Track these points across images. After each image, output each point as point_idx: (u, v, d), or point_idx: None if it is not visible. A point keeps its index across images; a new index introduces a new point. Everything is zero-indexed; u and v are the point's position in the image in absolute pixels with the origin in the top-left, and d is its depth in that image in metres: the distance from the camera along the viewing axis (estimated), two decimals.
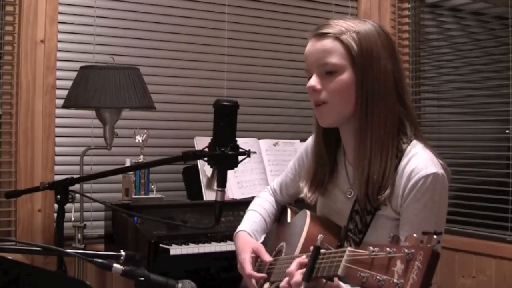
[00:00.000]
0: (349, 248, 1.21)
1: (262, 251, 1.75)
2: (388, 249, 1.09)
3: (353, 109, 1.56)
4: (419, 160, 1.51)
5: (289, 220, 1.86)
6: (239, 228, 1.88)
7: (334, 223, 1.67)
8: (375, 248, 1.12)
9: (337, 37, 1.54)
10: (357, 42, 1.53)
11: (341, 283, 1.40)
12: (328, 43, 1.55)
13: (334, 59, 1.54)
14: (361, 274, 1.13)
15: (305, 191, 1.72)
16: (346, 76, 1.54)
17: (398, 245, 1.09)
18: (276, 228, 1.94)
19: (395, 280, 1.05)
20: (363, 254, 1.15)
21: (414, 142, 1.55)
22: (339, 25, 1.56)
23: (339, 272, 1.20)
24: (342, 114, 1.59)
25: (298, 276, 1.38)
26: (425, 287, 1.03)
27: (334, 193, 1.68)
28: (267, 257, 1.73)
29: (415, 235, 1.08)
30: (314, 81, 1.57)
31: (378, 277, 1.08)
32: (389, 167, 1.51)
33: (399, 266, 1.06)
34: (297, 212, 1.81)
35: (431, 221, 1.48)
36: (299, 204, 1.93)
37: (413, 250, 1.05)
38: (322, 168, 1.69)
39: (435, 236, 1.05)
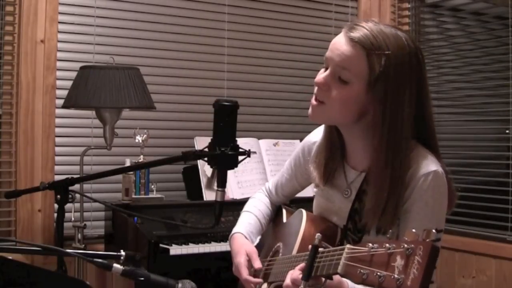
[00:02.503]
0: (348, 246, 1.20)
1: (254, 256, 1.75)
2: (387, 245, 1.09)
3: (349, 120, 1.54)
4: (419, 159, 1.51)
5: (284, 220, 1.86)
6: (234, 230, 1.88)
7: (330, 222, 1.67)
8: (374, 245, 1.12)
9: (367, 52, 1.47)
10: (382, 66, 1.46)
11: (343, 279, 1.40)
12: (354, 53, 1.48)
13: (353, 71, 1.49)
14: (361, 271, 1.12)
15: (317, 181, 1.70)
16: (355, 90, 1.49)
17: (397, 240, 1.09)
18: (272, 228, 1.94)
19: (395, 276, 1.05)
20: (363, 251, 1.14)
21: (413, 142, 1.55)
22: (375, 37, 1.48)
23: (339, 270, 1.19)
24: (335, 121, 1.58)
25: (297, 274, 1.38)
26: (426, 281, 1.02)
27: (331, 193, 1.67)
28: (257, 264, 1.73)
29: (413, 230, 1.08)
30: (324, 78, 1.53)
31: (378, 273, 1.08)
32: (404, 185, 1.50)
33: (399, 261, 1.05)
34: (292, 212, 1.80)
35: (432, 218, 1.48)
36: (295, 205, 1.93)
37: (412, 245, 1.04)
38: (332, 156, 1.67)
39: (434, 231, 1.04)
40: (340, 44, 1.52)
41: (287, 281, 1.42)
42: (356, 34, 1.49)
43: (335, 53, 1.52)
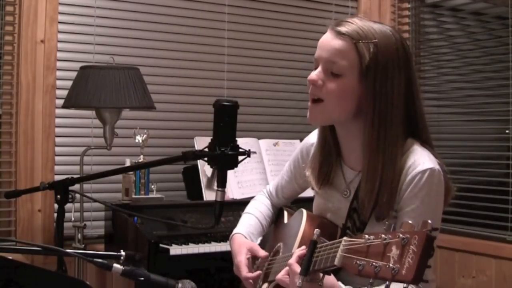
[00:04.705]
0: (344, 238, 1.22)
1: (257, 248, 1.76)
2: (383, 235, 1.10)
3: (347, 116, 1.55)
4: (416, 156, 1.51)
5: (285, 221, 1.86)
6: (235, 230, 1.88)
7: (330, 222, 1.67)
8: (371, 236, 1.13)
9: (353, 42, 1.50)
10: (371, 53, 1.49)
11: (339, 283, 1.41)
12: (343, 44, 1.52)
13: (343, 63, 1.51)
14: (358, 262, 1.13)
15: (313, 185, 1.71)
16: (349, 82, 1.51)
17: (393, 231, 1.10)
18: (273, 229, 1.94)
19: (391, 265, 1.06)
20: (359, 242, 1.15)
21: (410, 140, 1.55)
22: (361, 28, 1.52)
23: (336, 262, 1.21)
24: (335, 117, 1.58)
25: (296, 268, 1.38)
26: (421, 270, 1.03)
27: (330, 193, 1.68)
28: (262, 253, 1.73)
29: (410, 221, 1.09)
30: (316, 75, 1.55)
31: (374, 264, 1.09)
32: (397, 177, 1.50)
33: (394, 251, 1.07)
34: (293, 213, 1.81)
35: (427, 216, 1.47)
36: (296, 205, 1.94)
37: (407, 235, 1.06)
38: (327, 160, 1.67)
39: (429, 221, 1.06)
40: (328, 40, 1.56)
41: (283, 272, 1.44)
42: (343, 28, 1.53)
43: (324, 49, 1.56)
